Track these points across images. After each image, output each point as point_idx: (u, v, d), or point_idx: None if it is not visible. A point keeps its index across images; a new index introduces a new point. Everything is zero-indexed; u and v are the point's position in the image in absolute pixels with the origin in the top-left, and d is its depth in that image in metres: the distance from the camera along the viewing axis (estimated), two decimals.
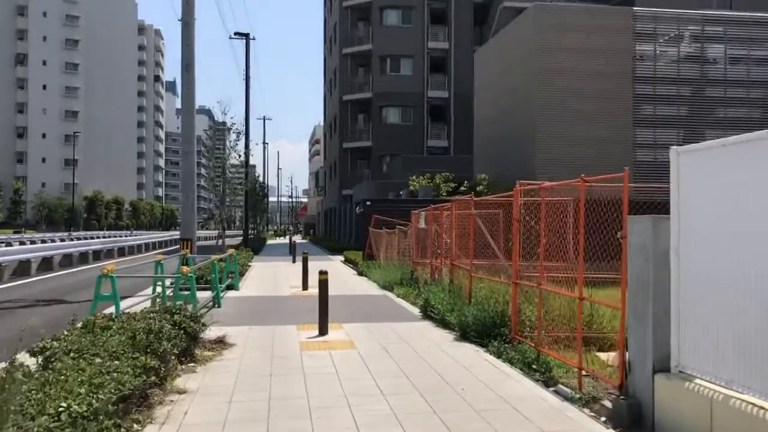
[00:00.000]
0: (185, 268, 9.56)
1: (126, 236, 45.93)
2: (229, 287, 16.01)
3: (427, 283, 13.90)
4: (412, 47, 45.77)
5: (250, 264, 24.65)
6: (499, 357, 7.76)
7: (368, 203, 21.98)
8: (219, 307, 12.84)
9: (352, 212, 43.04)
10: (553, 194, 7.82)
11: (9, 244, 33.43)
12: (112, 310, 8.66)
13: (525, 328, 7.96)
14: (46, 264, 22.95)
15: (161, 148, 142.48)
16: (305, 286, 16.26)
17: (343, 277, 20.34)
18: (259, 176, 60.48)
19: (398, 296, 14.55)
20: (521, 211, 8.19)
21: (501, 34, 29.49)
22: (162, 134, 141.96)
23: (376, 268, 19.97)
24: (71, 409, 4.08)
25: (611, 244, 6.14)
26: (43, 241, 34.90)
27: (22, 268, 20.70)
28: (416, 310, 12.28)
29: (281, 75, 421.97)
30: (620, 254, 5.63)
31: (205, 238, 63.12)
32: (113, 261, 29.87)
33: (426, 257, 14.93)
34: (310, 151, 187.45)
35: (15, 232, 55.52)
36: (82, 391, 4.36)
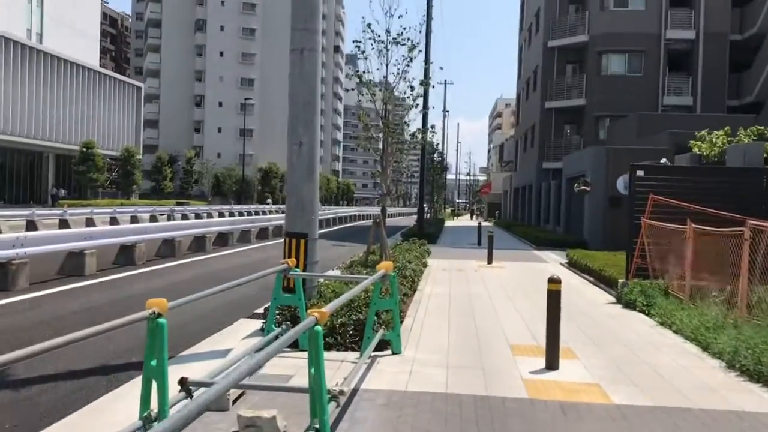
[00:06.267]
0: None
1: (274, 211, 39.30)
2: (382, 343, 7.23)
3: None
4: None
5: (425, 265, 15.87)
6: None
7: (640, 173, 12.13)
8: None
9: (559, 190, 32.82)
10: None
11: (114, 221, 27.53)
12: None
13: None
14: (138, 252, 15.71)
15: (340, 121, 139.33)
16: (552, 363, 6.87)
17: (597, 313, 10.66)
18: (438, 145, 51.85)
19: None
20: None
21: None
22: (341, 107, 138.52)
23: (664, 298, 10.20)
24: None
25: None
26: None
27: (76, 263, 13.49)
28: None
29: (459, 44, 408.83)
30: None
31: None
32: (236, 249, 22.61)
33: None
34: (490, 125, 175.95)
35: (178, 203, 52.06)
36: None
